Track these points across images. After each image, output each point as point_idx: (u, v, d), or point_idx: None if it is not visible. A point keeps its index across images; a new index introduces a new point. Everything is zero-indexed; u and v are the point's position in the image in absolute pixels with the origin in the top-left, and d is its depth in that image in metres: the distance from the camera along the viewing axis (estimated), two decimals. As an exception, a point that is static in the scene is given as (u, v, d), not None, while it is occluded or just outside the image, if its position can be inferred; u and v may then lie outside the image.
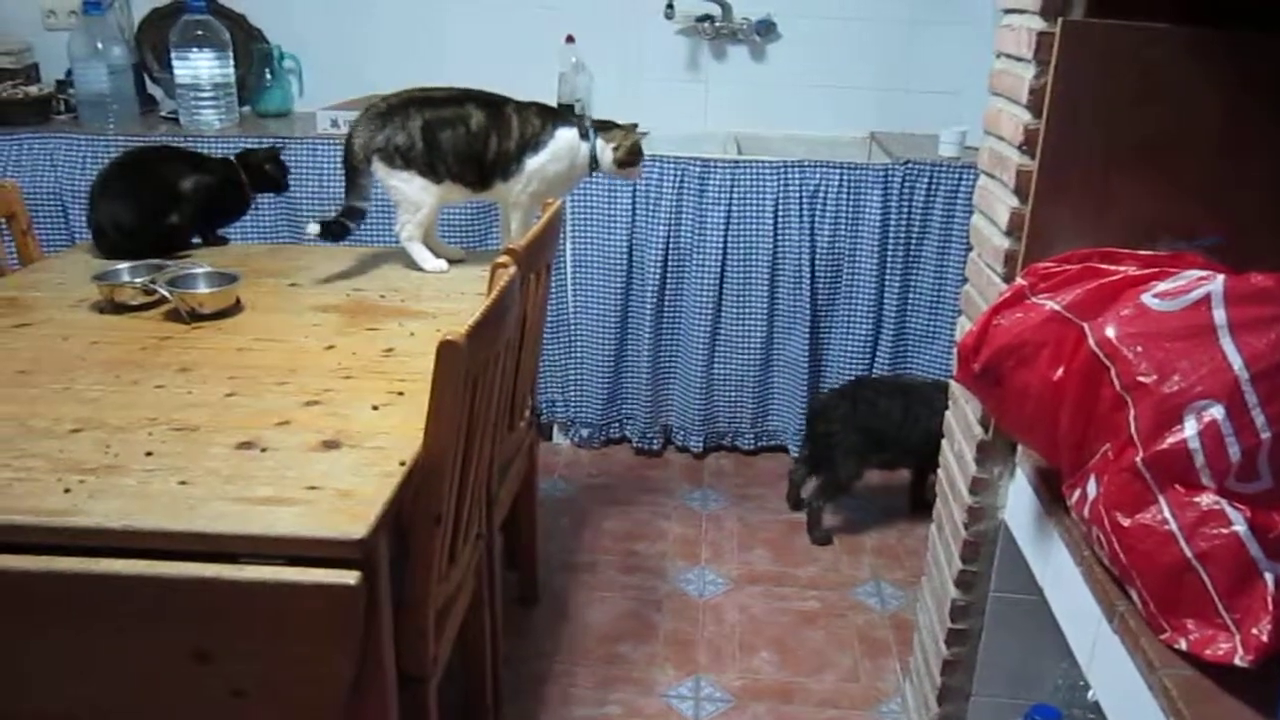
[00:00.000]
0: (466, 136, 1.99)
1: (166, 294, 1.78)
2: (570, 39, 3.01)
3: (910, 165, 2.68)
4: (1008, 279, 1.51)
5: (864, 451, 2.52)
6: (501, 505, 1.88)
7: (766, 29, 3.04)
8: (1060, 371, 1.25)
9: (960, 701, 1.75)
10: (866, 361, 2.85)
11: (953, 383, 1.80)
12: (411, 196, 2.00)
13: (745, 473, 2.90)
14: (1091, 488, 1.20)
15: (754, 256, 2.78)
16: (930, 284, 2.78)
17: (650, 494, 2.77)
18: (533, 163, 2.04)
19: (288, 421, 1.38)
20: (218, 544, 1.12)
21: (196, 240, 2.21)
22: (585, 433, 2.99)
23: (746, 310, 2.83)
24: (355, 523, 1.13)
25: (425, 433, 1.27)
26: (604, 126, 2.09)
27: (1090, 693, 1.66)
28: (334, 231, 2.02)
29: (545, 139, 2.05)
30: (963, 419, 1.70)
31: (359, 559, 1.11)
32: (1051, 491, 1.42)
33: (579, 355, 2.91)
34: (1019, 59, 1.47)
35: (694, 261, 2.79)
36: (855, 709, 1.98)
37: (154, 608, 1.14)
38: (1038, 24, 1.39)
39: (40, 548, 1.14)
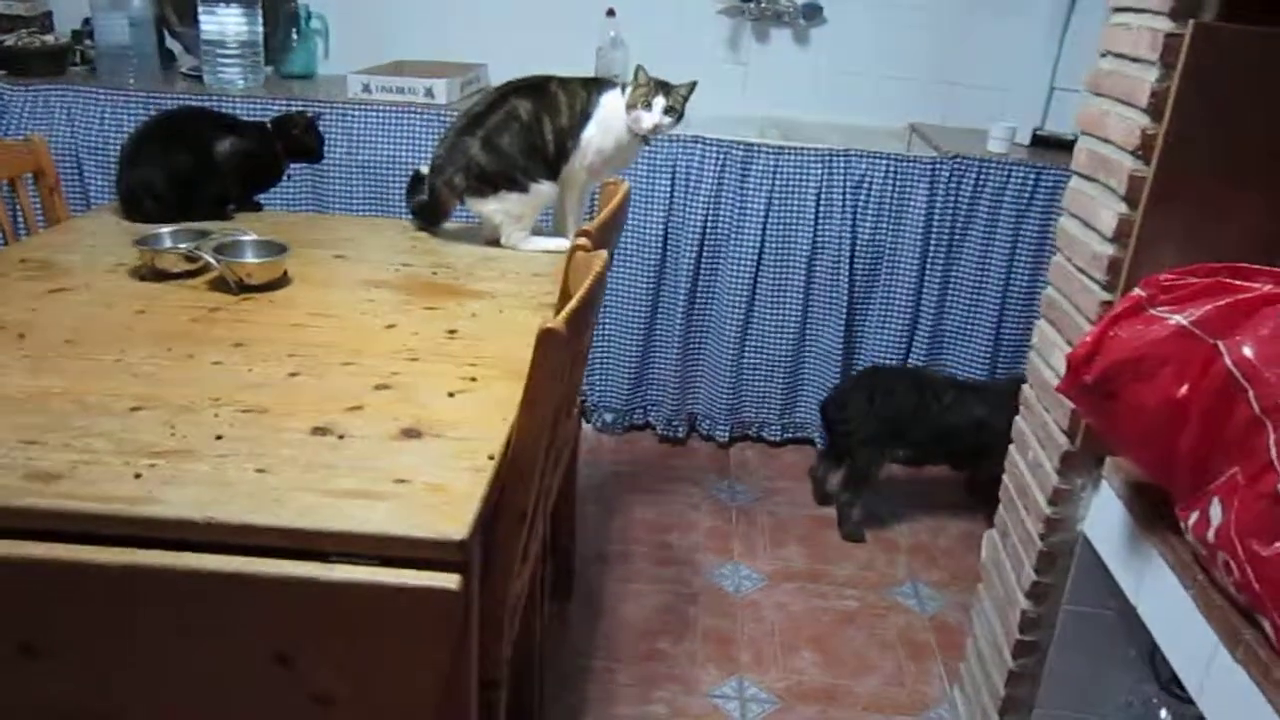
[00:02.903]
0: (521, 130, 1.91)
1: (214, 262, 1.70)
2: (611, 12, 2.92)
3: (958, 160, 2.63)
4: (1109, 287, 1.46)
5: (882, 440, 2.48)
6: (550, 496, 1.82)
7: (812, 12, 2.96)
8: (1185, 389, 1.19)
9: (1023, 714, 1.71)
10: (901, 357, 2.80)
11: (1025, 388, 1.75)
12: (513, 212, 1.95)
13: (771, 465, 2.85)
14: (1216, 512, 1.16)
15: (793, 245, 2.72)
16: (971, 281, 2.73)
17: (677, 484, 2.71)
18: (585, 135, 1.96)
19: (360, 406, 1.31)
20: (307, 540, 1.05)
21: (231, 206, 2.11)
22: (609, 418, 2.92)
23: (781, 299, 2.77)
24: (453, 522, 1.06)
25: (518, 425, 1.20)
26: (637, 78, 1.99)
27: (1163, 711, 1.63)
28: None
29: (592, 109, 1.97)
30: (1040, 427, 1.65)
31: (459, 561, 1.05)
32: (1148, 508, 1.37)
33: (606, 339, 2.84)
34: (1136, 60, 1.41)
35: (731, 247, 2.72)
36: (902, 714, 1.94)
37: (235, 606, 1.06)
38: (1164, 25, 1.34)
39: (108, 538, 1.06)
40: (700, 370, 2.87)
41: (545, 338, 1.15)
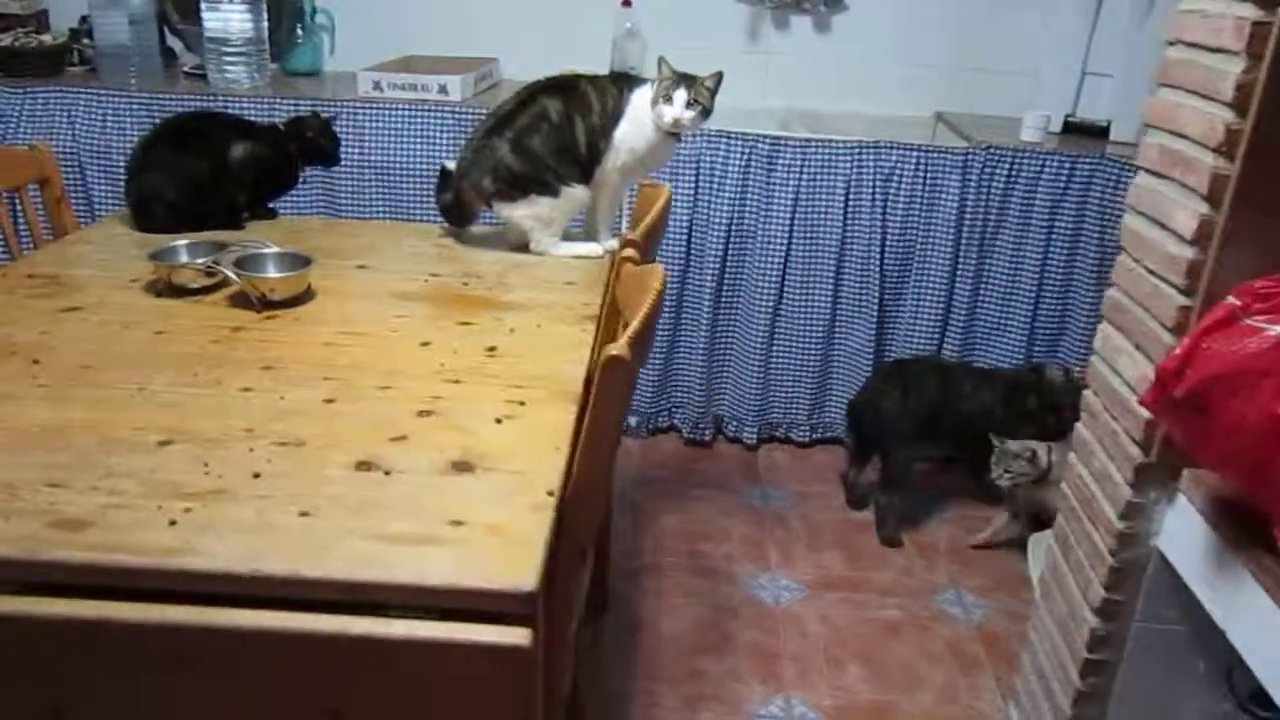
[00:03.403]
0: (552, 131, 1.82)
1: (233, 277, 1.61)
2: (627, 2, 2.82)
3: (991, 150, 2.54)
4: (1187, 292, 1.38)
5: (918, 436, 2.43)
6: (591, 514, 1.74)
7: (834, -1, 2.87)
8: (1289, 405, 1.12)
9: (1089, 735, 1.64)
10: (933, 353, 2.72)
11: (1088, 394, 1.67)
12: (544, 216, 1.87)
13: (802, 467, 2.78)
14: (1327, 537, 1.08)
15: (821, 240, 2.63)
16: (1005, 274, 2.65)
17: (706, 489, 2.63)
18: (618, 135, 1.87)
19: (404, 436, 1.23)
20: (362, 592, 0.97)
21: (245, 215, 2.02)
22: (633, 421, 2.84)
23: (810, 296, 2.69)
24: (520, 569, 0.98)
25: (581, 458, 1.12)
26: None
27: (1241, 732, 1.56)
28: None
29: (624, 107, 1.88)
30: (1108, 436, 1.57)
31: (529, 614, 0.97)
32: (1236, 526, 1.30)
33: (630, 340, 2.76)
34: (1216, 50, 1.33)
35: (758, 244, 2.64)
36: (956, 733, 1.87)
37: (283, 664, 0.99)
38: (1251, 13, 1.25)
39: (143, 592, 0.98)
40: (727, 370, 2.80)
41: (611, 365, 1.07)
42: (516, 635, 0.96)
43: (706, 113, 1.85)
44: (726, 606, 2.17)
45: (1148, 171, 1.51)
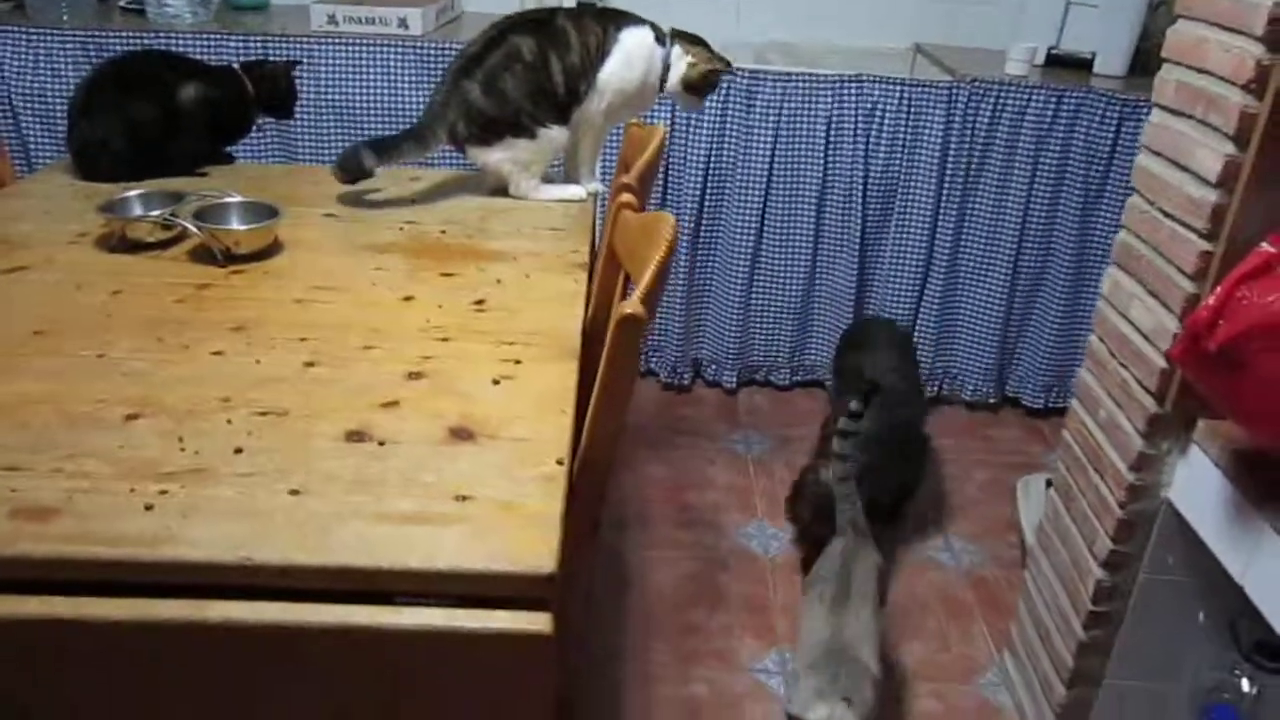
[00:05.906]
0: (525, 71, 1.71)
1: (194, 229, 1.49)
2: (595, -72, 2.68)
3: (976, 84, 2.46)
4: (1210, 236, 1.32)
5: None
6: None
7: (812, -76, 2.75)
8: (1331, 357, 1.07)
9: (1091, 686, 1.62)
10: (915, 294, 2.67)
11: (1093, 339, 1.63)
12: (521, 160, 1.76)
13: (782, 411, 2.73)
14: (1368, 493, 1.05)
15: (802, 178, 2.55)
16: (989, 213, 2.59)
17: (687, 435, 2.58)
18: (603, 75, 1.76)
19: (395, 402, 1.14)
20: (366, 580, 0.89)
21: (202, 163, 1.89)
22: (609, 368, 2.76)
23: (790, 236, 2.61)
24: (537, 550, 0.91)
25: (591, 423, 1.05)
26: (691, 40, 1.81)
27: (1244, 681, 1.56)
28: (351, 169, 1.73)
29: (610, 45, 1.77)
30: (1117, 385, 1.53)
31: (548, 598, 0.90)
32: (1260, 481, 1.27)
33: (605, 285, 2.67)
34: (1246, -23, 1.26)
35: (737, 183, 2.55)
36: (952, 682, 1.85)
37: (280, 663, 0.91)
38: (1288, -63, 1.18)
39: (121, 586, 0.89)
40: (706, 313, 2.72)
41: (626, 324, 0.99)
42: (538, 622, 0.89)
43: None
44: (715, 559, 2.13)
45: (1164, 109, 1.45)
